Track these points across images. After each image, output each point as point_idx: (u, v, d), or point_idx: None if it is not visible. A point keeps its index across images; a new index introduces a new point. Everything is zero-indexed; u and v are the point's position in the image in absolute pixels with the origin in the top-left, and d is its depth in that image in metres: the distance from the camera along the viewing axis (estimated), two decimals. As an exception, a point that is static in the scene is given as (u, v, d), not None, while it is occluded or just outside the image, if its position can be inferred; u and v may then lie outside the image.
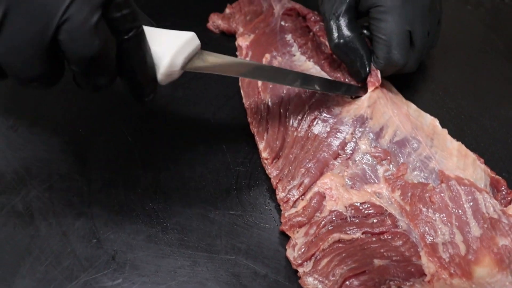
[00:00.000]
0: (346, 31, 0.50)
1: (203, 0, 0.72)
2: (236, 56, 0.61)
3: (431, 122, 0.51)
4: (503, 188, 0.45)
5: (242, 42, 0.61)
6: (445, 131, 0.50)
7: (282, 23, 0.62)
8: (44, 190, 0.49)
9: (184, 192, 0.49)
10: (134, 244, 0.45)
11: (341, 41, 0.50)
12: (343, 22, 0.50)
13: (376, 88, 0.51)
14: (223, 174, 0.50)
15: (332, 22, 0.50)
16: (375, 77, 0.51)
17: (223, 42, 0.65)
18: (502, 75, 0.59)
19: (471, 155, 0.47)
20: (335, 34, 0.50)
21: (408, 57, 0.50)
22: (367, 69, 0.51)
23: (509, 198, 0.44)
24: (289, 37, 0.60)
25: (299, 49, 0.58)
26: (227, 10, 0.67)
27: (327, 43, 0.57)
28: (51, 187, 0.49)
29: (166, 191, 0.49)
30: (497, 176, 0.45)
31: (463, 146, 0.48)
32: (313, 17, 0.61)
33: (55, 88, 0.58)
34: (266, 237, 0.45)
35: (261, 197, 0.48)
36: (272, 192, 0.48)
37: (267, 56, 0.57)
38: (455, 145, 0.48)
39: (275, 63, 0.56)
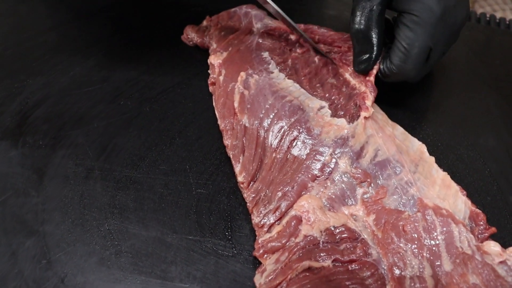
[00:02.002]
0: (371, 22, 0.49)
1: (184, 10, 0.70)
2: (208, 74, 0.59)
3: (418, 147, 0.48)
4: (481, 223, 0.42)
5: (214, 60, 0.58)
6: (433, 158, 0.47)
7: (260, 40, 0.60)
8: (-3, 205, 0.47)
9: (142, 213, 0.46)
10: (85, 267, 0.43)
11: (362, 28, 0.49)
12: (373, 11, 0.49)
13: (367, 119, 0.49)
14: (184, 196, 0.47)
15: (361, 6, 0.49)
16: (364, 107, 0.49)
17: (200, 54, 0.63)
18: (483, 103, 0.57)
19: (455, 186, 0.45)
20: (359, 19, 0.49)
21: (419, 71, 0.50)
22: (372, 66, 0.51)
23: (486, 234, 0.42)
24: (265, 54, 0.58)
25: (277, 66, 0.56)
26: (204, 23, 0.65)
27: (314, 57, 0.57)
28: (5, 203, 0.47)
29: (123, 212, 0.46)
30: (477, 210, 0.43)
31: (448, 177, 0.46)
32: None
33: (15, 99, 0.57)
34: (223, 266, 0.43)
35: (221, 223, 0.45)
36: (233, 218, 0.46)
37: (243, 74, 0.54)
38: (440, 175, 0.46)
39: (252, 82, 0.54)
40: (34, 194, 0.48)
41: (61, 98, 0.57)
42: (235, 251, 0.44)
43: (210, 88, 0.57)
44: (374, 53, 0.50)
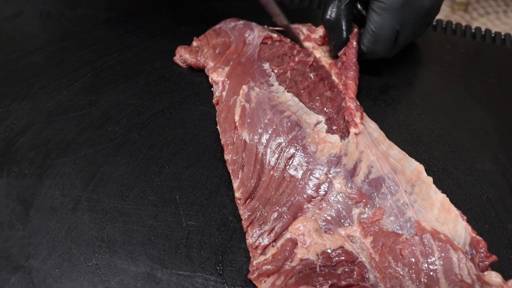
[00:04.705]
0: (340, 12, 0.56)
1: (169, 32, 0.69)
2: (198, 97, 0.58)
3: (416, 167, 0.47)
4: (482, 250, 0.41)
5: (217, 77, 0.57)
6: (430, 179, 0.46)
7: (260, 50, 0.60)
8: (-19, 239, 0.45)
9: (131, 247, 0.45)
10: (73, 304, 0.41)
11: (332, 18, 0.56)
12: (342, 2, 0.55)
13: (357, 135, 0.49)
14: (174, 228, 0.46)
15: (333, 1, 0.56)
16: (353, 124, 0.49)
17: (190, 76, 0.62)
18: (479, 123, 0.56)
19: (454, 211, 0.44)
20: (330, 11, 0.56)
21: (389, 51, 0.57)
22: (340, 49, 0.58)
23: (487, 263, 0.40)
24: (266, 66, 0.58)
25: (277, 79, 0.56)
26: (194, 43, 0.64)
27: (309, 73, 0.57)
28: (-11, 236, 0.46)
29: (112, 245, 0.45)
30: (477, 237, 0.42)
31: (447, 200, 0.44)
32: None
33: (0, 126, 0.55)
34: (215, 303, 0.41)
35: (212, 257, 0.44)
36: (225, 252, 0.44)
37: (245, 87, 0.54)
38: (439, 197, 0.45)
39: (253, 95, 0.53)
40: (20, 227, 0.46)
41: (47, 124, 0.56)
42: (226, 287, 0.42)
43: (216, 108, 0.56)
44: (343, 41, 0.57)
